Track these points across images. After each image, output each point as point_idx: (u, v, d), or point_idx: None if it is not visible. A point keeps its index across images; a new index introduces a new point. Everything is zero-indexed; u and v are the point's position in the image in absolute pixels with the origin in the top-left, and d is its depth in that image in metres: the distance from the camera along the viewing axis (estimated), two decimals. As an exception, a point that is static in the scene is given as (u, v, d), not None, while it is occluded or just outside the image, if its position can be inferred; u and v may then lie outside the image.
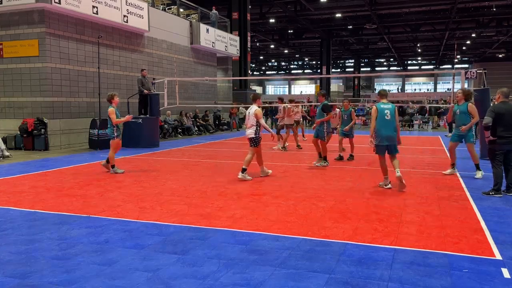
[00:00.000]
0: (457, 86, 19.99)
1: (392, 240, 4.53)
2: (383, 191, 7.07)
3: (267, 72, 77.82)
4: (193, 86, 21.35)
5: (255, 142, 8.26)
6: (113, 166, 8.92)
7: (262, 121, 8.29)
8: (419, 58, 63.21)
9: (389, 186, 7.32)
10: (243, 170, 8.12)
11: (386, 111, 7.22)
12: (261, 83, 77.75)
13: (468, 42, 44.29)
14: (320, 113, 9.72)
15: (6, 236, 4.76)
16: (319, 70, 51.15)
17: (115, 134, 8.86)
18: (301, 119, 15.80)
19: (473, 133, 8.50)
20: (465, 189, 7.19)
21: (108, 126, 8.97)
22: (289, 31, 42.34)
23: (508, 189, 6.70)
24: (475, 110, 8.27)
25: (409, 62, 67.62)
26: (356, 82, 61.73)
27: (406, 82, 74.14)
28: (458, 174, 8.64)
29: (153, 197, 6.69)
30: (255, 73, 73.76)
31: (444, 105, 24.71)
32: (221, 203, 6.25)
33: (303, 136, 16.53)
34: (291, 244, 4.42)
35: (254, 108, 8.33)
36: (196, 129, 20.56)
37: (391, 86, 75.06)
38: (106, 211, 5.79)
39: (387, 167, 7.40)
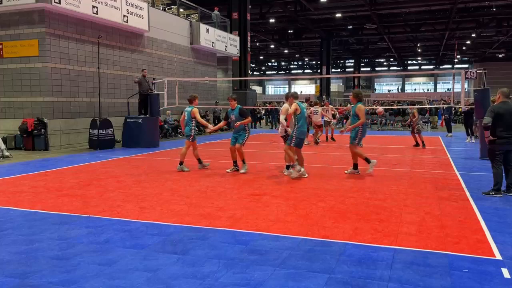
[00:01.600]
0: (457, 86, 19.99)
1: (392, 240, 4.53)
2: (383, 191, 7.07)
3: (267, 72, 77.78)
4: (193, 86, 21.35)
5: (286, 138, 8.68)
6: (181, 163, 9.20)
7: (281, 117, 8.63)
8: (419, 58, 63.15)
9: (306, 175, 8.24)
10: (288, 167, 8.65)
11: (305, 109, 8.37)
12: (261, 83, 77.76)
13: (468, 42, 44.25)
14: (239, 118, 8.89)
15: (6, 236, 4.76)
16: (319, 70, 51.10)
17: (193, 134, 9.19)
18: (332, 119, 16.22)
19: (357, 135, 8.48)
20: (465, 189, 7.19)
21: (188, 126, 9.19)
22: (289, 31, 42.29)
23: (508, 189, 6.70)
24: (362, 112, 8.40)
25: (409, 62, 67.57)
26: (356, 82, 61.67)
27: (406, 82, 74.13)
28: (458, 174, 8.64)
29: (153, 197, 6.69)
30: (255, 73, 73.73)
31: (444, 105, 24.73)
32: (221, 203, 6.25)
33: (325, 137, 15.99)
34: (291, 244, 4.42)
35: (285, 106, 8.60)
36: (196, 129, 20.53)
37: (391, 86, 75.05)
38: (106, 211, 5.79)
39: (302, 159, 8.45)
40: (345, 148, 13.90)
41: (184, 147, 9.30)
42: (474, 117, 16.24)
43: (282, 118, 8.46)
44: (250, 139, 11.00)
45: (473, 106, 15.41)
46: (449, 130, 19.15)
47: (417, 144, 13.98)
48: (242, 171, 8.95)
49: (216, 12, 23.20)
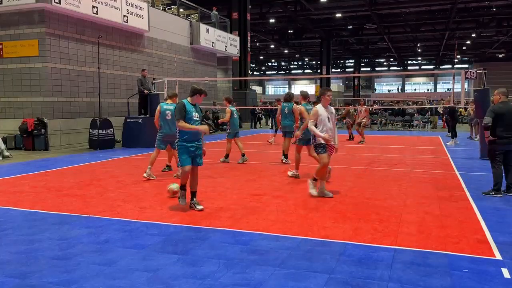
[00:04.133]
0: (457, 86, 20.01)
1: (392, 240, 4.53)
2: (384, 192, 7.07)
3: (267, 72, 77.79)
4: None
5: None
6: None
7: (309, 123, 6.73)
8: (419, 58, 63.18)
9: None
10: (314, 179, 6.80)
11: (167, 112, 8.28)
12: (261, 83, 77.75)
13: (468, 42, 44.26)
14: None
15: (6, 236, 4.76)
16: (319, 70, 51.12)
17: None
18: None
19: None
20: (465, 189, 7.19)
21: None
22: (289, 31, 42.32)
23: (508, 189, 6.71)
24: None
25: (409, 62, 67.59)
26: (356, 82, 61.72)
27: (406, 82, 74.13)
28: (458, 174, 8.64)
29: (153, 197, 6.69)
30: (255, 73, 73.74)
31: (443, 106, 24.73)
32: (221, 203, 6.25)
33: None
34: (291, 244, 4.42)
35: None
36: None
37: (391, 86, 75.04)
38: (106, 211, 5.79)
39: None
40: (346, 149, 13.91)
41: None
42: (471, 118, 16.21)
43: (311, 124, 6.63)
44: (250, 138, 11.00)
45: (454, 107, 15.47)
46: (449, 129, 19.15)
47: (350, 138, 16.64)
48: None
49: (214, 12, 23.22)
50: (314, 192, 6.62)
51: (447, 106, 15.18)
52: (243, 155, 10.54)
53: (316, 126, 6.57)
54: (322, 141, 6.49)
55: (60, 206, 6.10)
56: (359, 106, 17.28)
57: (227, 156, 10.64)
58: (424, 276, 3.62)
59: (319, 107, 6.63)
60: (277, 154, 12.28)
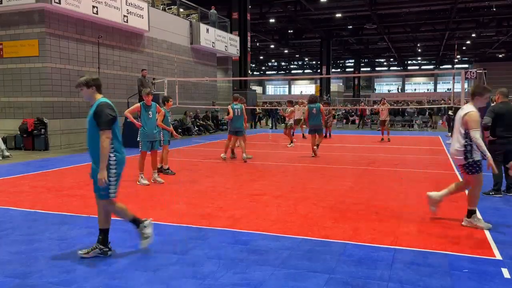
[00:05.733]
0: (457, 86, 20.02)
1: (392, 240, 4.53)
2: (384, 192, 7.07)
3: (267, 72, 77.78)
4: (193, 86, 21.34)
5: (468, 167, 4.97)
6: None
7: (474, 133, 4.74)
8: (419, 58, 63.16)
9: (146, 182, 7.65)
10: (471, 212, 4.99)
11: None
12: (261, 83, 77.76)
13: (468, 42, 44.25)
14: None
15: (6, 236, 4.76)
16: (319, 70, 51.10)
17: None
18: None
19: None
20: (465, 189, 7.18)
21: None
22: (289, 31, 42.31)
23: (508, 189, 6.71)
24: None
25: (409, 62, 67.57)
26: (356, 82, 61.72)
27: (406, 82, 74.14)
28: (458, 174, 8.63)
29: (153, 197, 6.68)
30: (255, 73, 73.74)
31: (444, 105, 24.76)
32: (221, 203, 6.25)
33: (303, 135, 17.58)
34: (291, 244, 4.42)
35: (467, 110, 4.93)
36: (196, 129, 20.54)
37: (391, 86, 75.06)
38: (106, 211, 5.78)
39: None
40: (346, 148, 13.92)
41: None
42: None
43: (475, 133, 4.72)
44: (249, 138, 11.00)
45: (459, 108, 15.40)
46: (449, 129, 19.19)
47: (326, 136, 17.22)
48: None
49: (213, 10, 23.19)
50: (434, 209, 5.36)
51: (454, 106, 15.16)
52: (232, 152, 11.22)
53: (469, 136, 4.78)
54: (480, 158, 4.85)
55: (60, 206, 6.10)
56: (381, 105, 17.35)
57: (231, 151, 11.38)
58: (424, 276, 3.62)
59: (475, 109, 4.80)
60: (276, 154, 12.29)
